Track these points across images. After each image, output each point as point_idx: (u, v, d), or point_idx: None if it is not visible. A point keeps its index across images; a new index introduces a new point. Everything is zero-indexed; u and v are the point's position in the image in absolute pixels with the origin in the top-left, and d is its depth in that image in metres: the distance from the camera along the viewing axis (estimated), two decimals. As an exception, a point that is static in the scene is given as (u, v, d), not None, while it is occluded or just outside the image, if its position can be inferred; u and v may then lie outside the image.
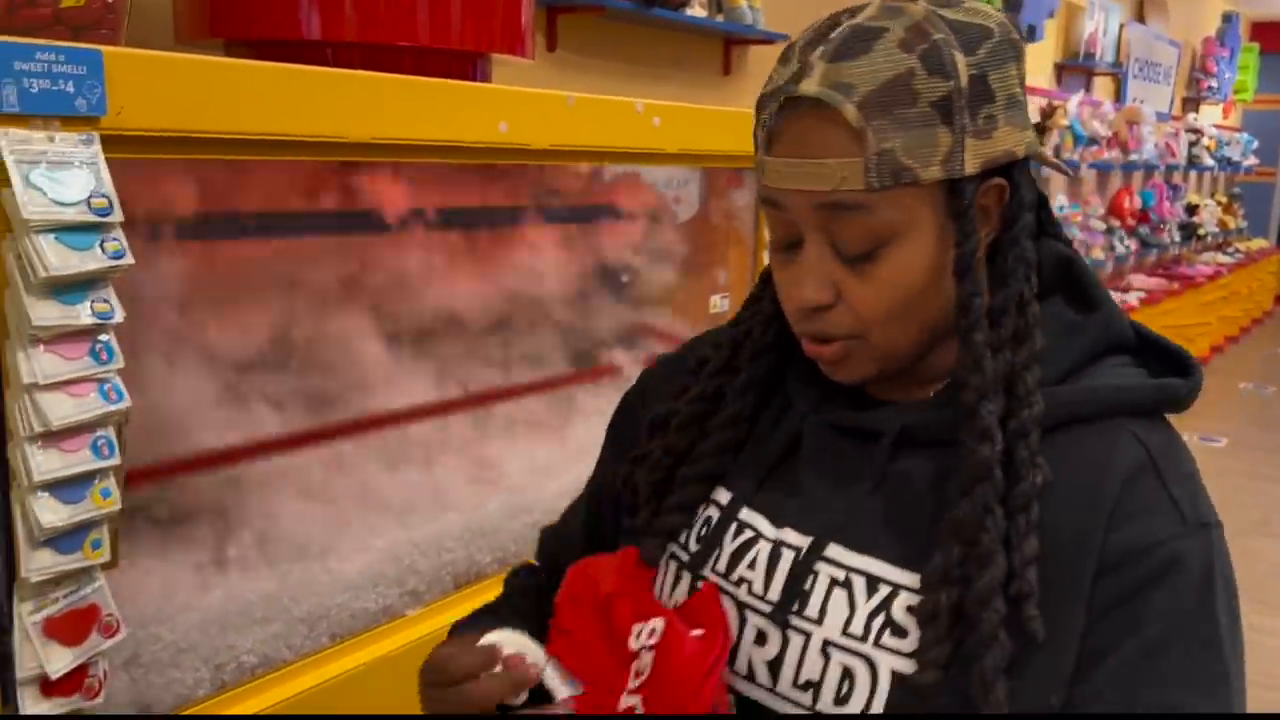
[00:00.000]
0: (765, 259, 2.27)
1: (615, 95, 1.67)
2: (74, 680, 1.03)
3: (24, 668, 0.99)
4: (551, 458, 1.83)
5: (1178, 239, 8.27)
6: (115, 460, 1.04)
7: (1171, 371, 0.77)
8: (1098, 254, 6.61)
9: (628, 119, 1.68)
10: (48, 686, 1.01)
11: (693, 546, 0.82)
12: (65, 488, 1.00)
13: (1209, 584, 0.70)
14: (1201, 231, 8.79)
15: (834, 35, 0.71)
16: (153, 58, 1.07)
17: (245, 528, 1.38)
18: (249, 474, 1.41)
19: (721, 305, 2.09)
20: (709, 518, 0.82)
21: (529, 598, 0.96)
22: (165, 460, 1.32)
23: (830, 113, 0.69)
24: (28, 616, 1.00)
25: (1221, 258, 9.01)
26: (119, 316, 1.03)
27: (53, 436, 0.99)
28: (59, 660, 1.01)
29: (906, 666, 0.70)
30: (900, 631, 0.70)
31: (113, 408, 1.03)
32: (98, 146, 1.02)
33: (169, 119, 1.09)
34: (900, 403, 0.79)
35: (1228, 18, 9.60)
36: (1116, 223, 7.17)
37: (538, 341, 1.86)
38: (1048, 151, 5.52)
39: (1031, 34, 5.56)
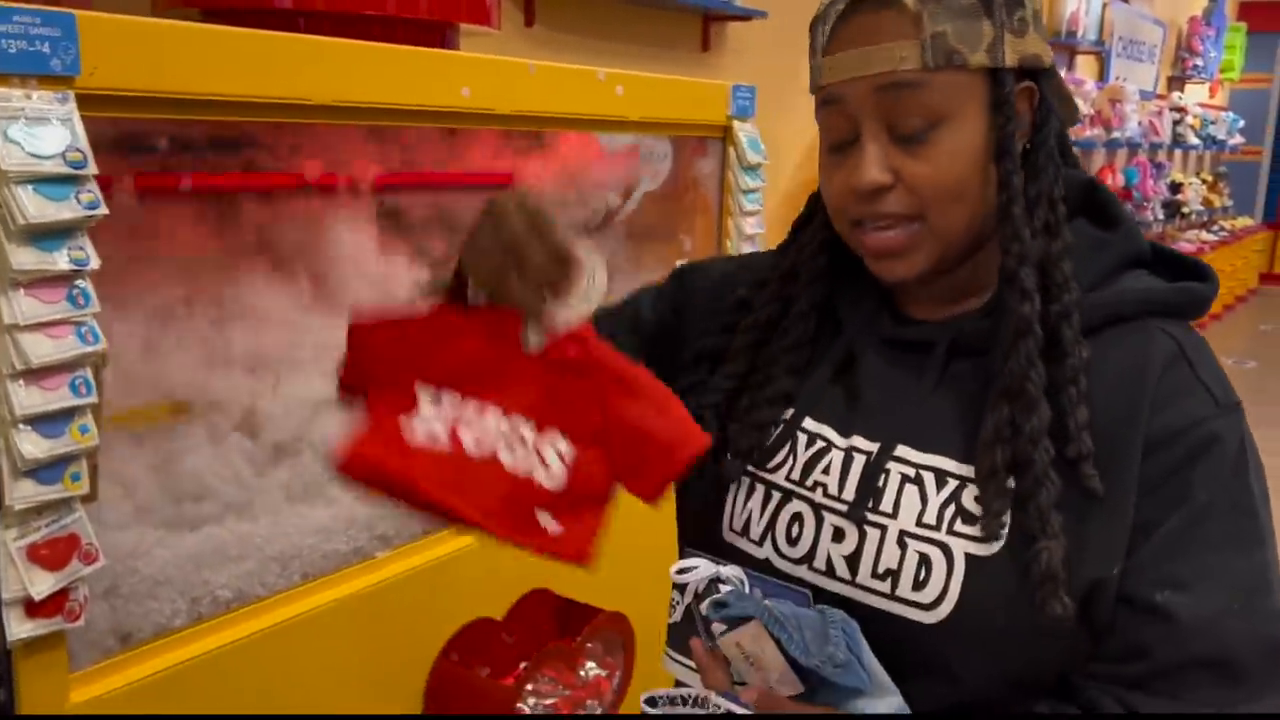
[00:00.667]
0: (731, 226, 2.32)
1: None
2: (56, 603, 1.10)
3: (9, 589, 1.07)
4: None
5: (1161, 217, 8.34)
6: (93, 399, 1.11)
7: (1189, 278, 0.86)
8: (1079, 231, 6.67)
9: (590, 87, 1.74)
10: (31, 607, 1.08)
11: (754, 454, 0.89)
12: (46, 423, 1.07)
13: (1242, 457, 0.79)
14: (1186, 210, 8.86)
15: None
16: (123, 21, 1.13)
17: (222, 471, 1.46)
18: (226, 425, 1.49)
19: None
20: (786, 434, 0.88)
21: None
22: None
23: (889, 2, 0.78)
24: (12, 542, 1.07)
25: (1205, 235, 9.08)
26: (94, 263, 1.10)
27: (33, 374, 1.06)
28: (42, 583, 1.08)
29: (979, 550, 0.77)
30: (970, 519, 0.78)
31: (89, 349, 1.10)
32: (73, 104, 1.09)
33: (139, 80, 1.16)
34: (944, 320, 0.87)
35: (1214, -4, 9.66)
36: (1099, 200, 7.23)
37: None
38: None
39: (1012, 12, 5.61)
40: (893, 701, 0.79)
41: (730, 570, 0.84)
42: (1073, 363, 0.78)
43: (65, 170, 1.07)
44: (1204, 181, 9.73)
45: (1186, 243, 8.46)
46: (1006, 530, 0.77)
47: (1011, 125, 0.80)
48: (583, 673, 1.75)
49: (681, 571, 0.85)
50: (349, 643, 1.45)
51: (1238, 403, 0.81)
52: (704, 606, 0.82)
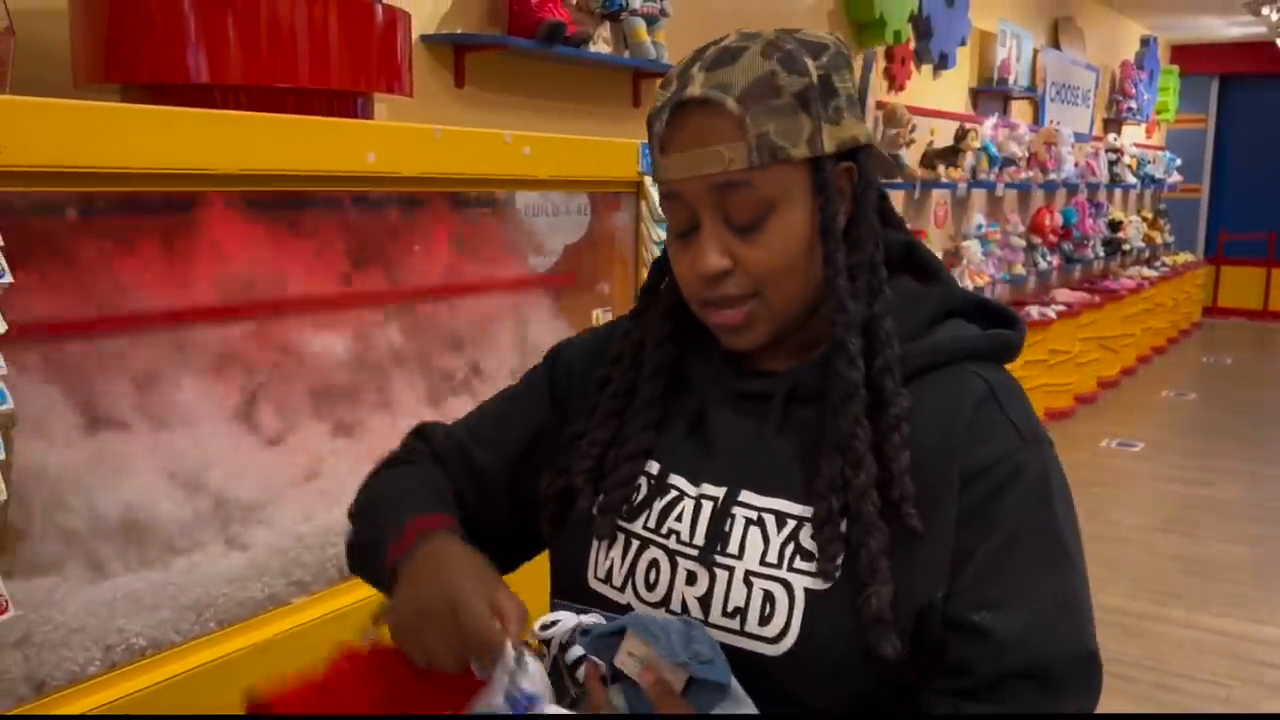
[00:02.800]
0: (645, 275, 2.43)
1: (526, 128, 1.82)
2: (-35, 652, 1.16)
3: (-82, 640, 1.12)
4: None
5: (1101, 254, 8.57)
6: (1, 456, 1.17)
7: (1002, 326, 0.96)
8: (1019, 270, 6.86)
9: (496, 149, 1.84)
10: (-59, 657, 1.14)
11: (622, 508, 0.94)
12: (-46, 480, 1.14)
13: (1046, 485, 0.88)
14: (1126, 247, 9.10)
15: (705, 55, 0.88)
16: (24, 103, 1.22)
17: (132, 520, 1.51)
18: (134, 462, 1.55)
19: (604, 318, 2.26)
20: (645, 487, 0.95)
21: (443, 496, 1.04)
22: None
23: (715, 108, 0.85)
24: (-79, 595, 1.13)
25: (1146, 271, 9.32)
26: (1, 328, 1.17)
27: (-58, 434, 1.13)
28: (-49, 633, 1.14)
29: (816, 584, 0.85)
30: (808, 556, 0.85)
31: (-2, 409, 1.17)
32: (-19, 181, 1.17)
33: (49, 156, 1.24)
34: (785, 371, 0.94)
35: (1146, 42, 9.98)
36: (1038, 240, 7.43)
37: (428, 350, 2.00)
38: (963, 171, 5.71)
39: (944, 61, 5.82)
40: (750, 714, 0.85)
41: (591, 618, 0.89)
42: (895, 412, 0.87)
43: (-28, 242, 1.14)
44: (1144, 219, 10.00)
45: (1129, 279, 8.68)
46: (840, 569, 0.85)
47: (832, 208, 0.88)
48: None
49: (544, 627, 0.89)
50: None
51: (1043, 438, 0.90)
52: (561, 645, 0.86)
